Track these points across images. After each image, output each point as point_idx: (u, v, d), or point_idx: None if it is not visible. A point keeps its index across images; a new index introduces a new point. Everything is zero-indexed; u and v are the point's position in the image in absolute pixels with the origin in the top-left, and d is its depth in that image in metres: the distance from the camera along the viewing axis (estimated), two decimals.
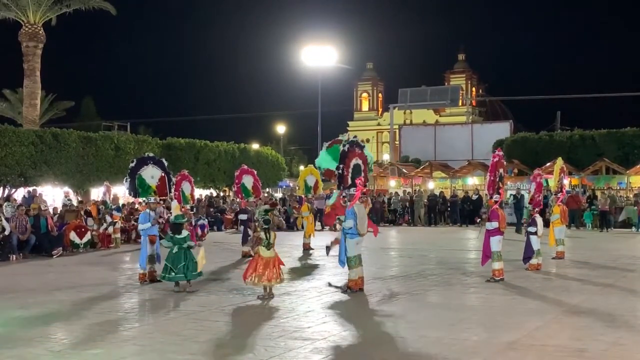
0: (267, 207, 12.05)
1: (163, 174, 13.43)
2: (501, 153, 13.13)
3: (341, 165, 11.31)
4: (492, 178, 12.73)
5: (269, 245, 10.67)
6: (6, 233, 17.07)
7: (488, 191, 13.06)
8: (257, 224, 12.11)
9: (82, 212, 20.74)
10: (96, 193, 24.91)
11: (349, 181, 11.38)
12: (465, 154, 42.99)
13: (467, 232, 26.00)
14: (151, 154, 14.08)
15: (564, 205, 16.91)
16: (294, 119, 77.10)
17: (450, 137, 47.65)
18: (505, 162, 13.47)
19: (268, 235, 10.69)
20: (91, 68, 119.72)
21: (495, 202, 12.63)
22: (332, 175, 13.73)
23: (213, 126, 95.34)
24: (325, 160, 13.79)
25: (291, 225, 27.79)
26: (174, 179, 14.21)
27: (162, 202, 14.10)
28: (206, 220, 25.14)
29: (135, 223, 18.74)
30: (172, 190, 14.14)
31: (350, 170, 11.38)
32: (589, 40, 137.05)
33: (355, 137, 11.99)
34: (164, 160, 13.77)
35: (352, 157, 11.44)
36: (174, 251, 11.45)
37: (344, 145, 11.47)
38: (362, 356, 7.45)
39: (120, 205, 22.09)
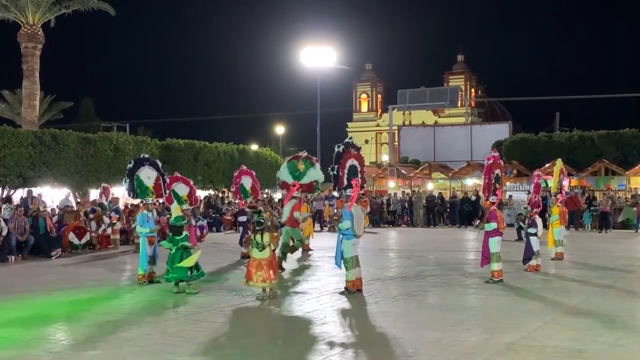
0: (247, 210, 12.11)
1: (158, 175, 13.49)
2: (496, 154, 13.07)
3: (336, 166, 11.27)
4: (487, 181, 12.71)
5: (259, 246, 10.64)
6: (4, 234, 17.06)
7: (484, 194, 13.07)
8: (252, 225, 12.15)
9: (82, 213, 20.75)
10: (95, 194, 24.87)
11: (345, 182, 11.35)
12: (465, 155, 43.00)
13: (466, 233, 26.00)
14: (146, 155, 14.14)
15: (563, 206, 16.92)
16: (293, 119, 77.05)
17: (449, 138, 47.68)
18: (502, 163, 13.46)
19: (260, 237, 10.65)
20: (90, 69, 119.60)
21: (492, 203, 12.64)
22: (285, 187, 15.92)
23: (212, 127, 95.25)
24: (283, 173, 15.77)
25: None
26: (167, 180, 14.27)
27: (158, 202, 14.12)
28: (205, 221, 25.14)
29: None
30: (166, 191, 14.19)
31: (345, 171, 11.35)
32: (588, 41, 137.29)
33: (350, 138, 12.00)
34: (158, 162, 13.84)
35: (348, 158, 11.39)
36: (172, 252, 11.47)
37: (338, 147, 11.45)
38: (362, 357, 7.44)
39: (121, 206, 22.06)
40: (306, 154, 16.03)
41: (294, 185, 15.20)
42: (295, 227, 15.12)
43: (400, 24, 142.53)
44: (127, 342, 8.00)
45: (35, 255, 17.85)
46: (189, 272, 11.40)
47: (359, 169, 11.57)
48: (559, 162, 16.96)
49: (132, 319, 9.54)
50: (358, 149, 11.88)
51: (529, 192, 15.55)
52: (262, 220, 10.90)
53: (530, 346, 7.63)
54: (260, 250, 10.62)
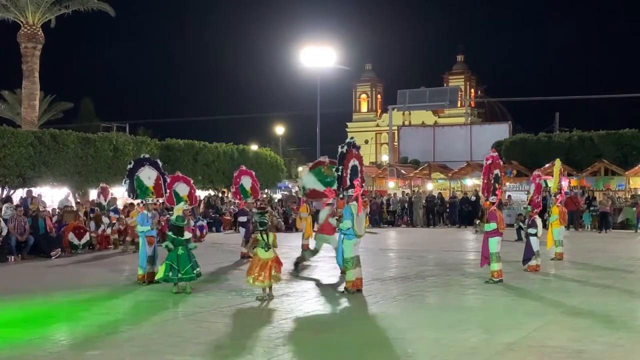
0: (255, 211, 12.12)
1: (158, 175, 13.49)
2: (495, 154, 13.06)
3: (340, 167, 11.31)
4: (486, 181, 12.70)
5: (267, 247, 10.69)
6: (4, 234, 17.05)
7: (483, 194, 13.06)
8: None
9: (81, 213, 20.74)
10: (95, 194, 24.86)
11: (348, 182, 11.38)
12: (464, 155, 43.03)
13: (466, 233, 26.01)
14: (147, 155, 14.14)
15: (563, 206, 16.93)
16: (292, 120, 77.34)
17: (449, 138, 47.74)
18: (501, 163, 13.45)
19: (266, 237, 10.70)
20: (90, 69, 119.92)
21: (492, 203, 12.63)
22: (316, 195, 14.83)
23: (212, 127, 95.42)
24: (309, 181, 14.59)
25: (290, 226, 27.77)
26: (168, 179, 14.27)
27: (158, 202, 14.12)
28: (205, 221, 25.13)
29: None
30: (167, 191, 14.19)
31: (348, 171, 11.38)
32: (588, 41, 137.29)
33: (352, 138, 12.03)
34: (158, 161, 13.85)
35: (350, 158, 11.45)
36: (179, 252, 11.40)
37: (342, 147, 11.48)
38: (362, 357, 7.44)
39: (120, 206, 22.07)
40: (329, 159, 15.42)
41: (331, 192, 14.75)
42: (329, 234, 14.77)
43: (400, 24, 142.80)
44: (127, 342, 8.00)
45: (35, 255, 17.85)
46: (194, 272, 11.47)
47: (359, 168, 11.61)
48: (557, 163, 16.96)
49: (132, 319, 9.54)
50: (358, 148, 11.92)
51: (528, 193, 15.51)
52: (265, 221, 10.93)
53: (530, 346, 7.64)
54: (266, 251, 10.68)
